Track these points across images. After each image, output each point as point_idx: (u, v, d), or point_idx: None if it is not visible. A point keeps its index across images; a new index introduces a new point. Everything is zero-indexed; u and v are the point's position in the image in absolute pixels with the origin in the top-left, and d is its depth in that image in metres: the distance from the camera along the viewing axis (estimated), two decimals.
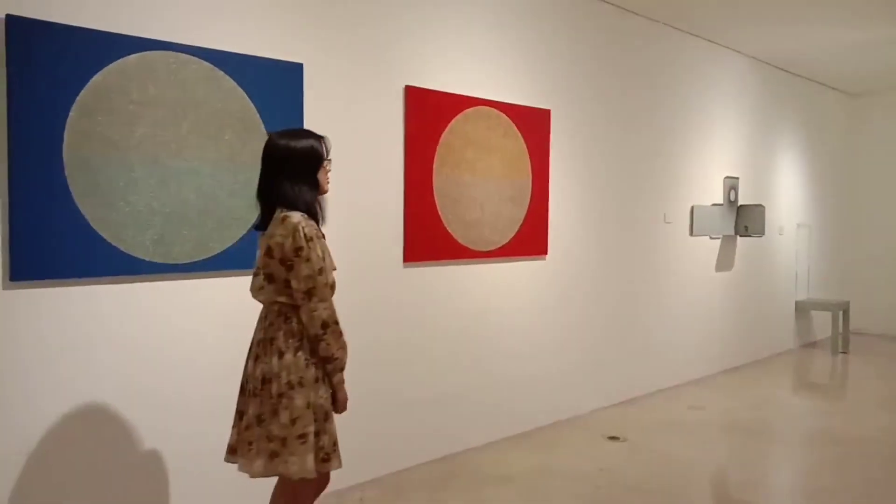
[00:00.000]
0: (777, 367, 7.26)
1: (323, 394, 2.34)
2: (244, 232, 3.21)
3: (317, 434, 2.30)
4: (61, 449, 2.78)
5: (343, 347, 2.35)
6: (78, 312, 2.81)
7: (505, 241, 4.60)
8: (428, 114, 4.08)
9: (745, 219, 6.94)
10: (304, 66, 3.45)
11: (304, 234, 2.28)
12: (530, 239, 4.78)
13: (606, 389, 5.53)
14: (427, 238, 4.13)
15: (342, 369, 2.38)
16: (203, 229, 3.10)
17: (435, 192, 4.14)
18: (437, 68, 4.16)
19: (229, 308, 3.22)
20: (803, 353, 8.01)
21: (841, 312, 8.00)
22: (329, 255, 2.39)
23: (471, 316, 4.44)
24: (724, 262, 6.91)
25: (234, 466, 2.37)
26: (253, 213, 3.19)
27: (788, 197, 8.01)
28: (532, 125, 4.74)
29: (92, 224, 2.80)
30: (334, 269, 2.42)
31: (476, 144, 4.36)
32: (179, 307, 3.09)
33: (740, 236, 7.04)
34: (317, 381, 2.32)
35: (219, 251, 3.14)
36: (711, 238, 6.69)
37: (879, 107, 9.15)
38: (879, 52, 6.97)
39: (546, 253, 4.91)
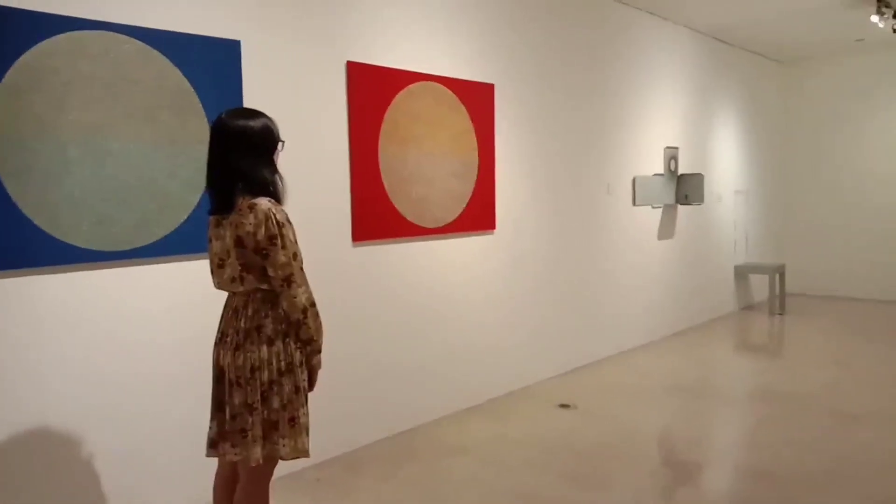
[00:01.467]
0: (719, 330, 7.52)
1: (304, 376, 2.37)
2: (186, 215, 3.14)
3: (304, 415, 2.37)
4: (20, 440, 2.69)
5: (320, 328, 2.37)
6: (17, 305, 2.71)
7: (453, 217, 4.61)
8: (371, 90, 4.04)
9: (685, 187, 7.12)
10: (242, 44, 3.36)
11: (277, 221, 2.25)
12: (478, 214, 4.81)
13: (557, 359, 5.64)
14: (375, 216, 4.11)
15: (320, 351, 2.40)
16: (143, 213, 3.02)
17: (381, 170, 4.12)
18: (379, 43, 4.11)
19: (177, 293, 3.16)
20: (743, 316, 8.31)
21: (777, 275, 8.31)
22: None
23: (422, 292, 4.46)
24: (666, 230, 7.08)
25: (197, 446, 2.33)
26: (194, 196, 3.14)
27: (726, 165, 8.25)
28: (476, 100, 4.74)
29: (23, 210, 2.69)
30: None
31: (421, 120, 4.34)
32: (123, 295, 3.00)
33: (681, 205, 7.22)
34: (300, 364, 2.35)
35: (161, 236, 3.06)
36: (653, 207, 6.84)
37: (811, 73, 9.45)
38: (810, 19, 7.18)
39: (494, 227, 4.95)
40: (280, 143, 2.43)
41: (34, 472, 2.78)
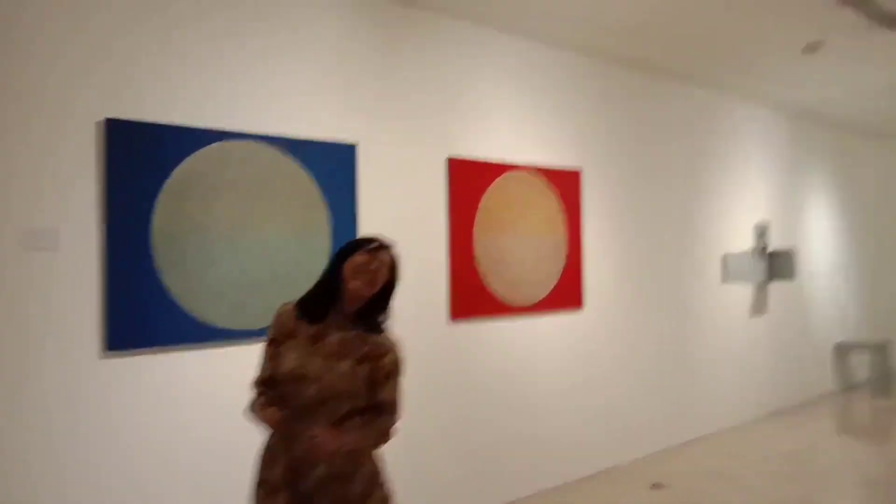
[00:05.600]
0: (817, 411, 7.28)
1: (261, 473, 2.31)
2: None
3: None
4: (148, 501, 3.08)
5: (261, 421, 2.34)
6: (162, 378, 3.14)
7: (543, 295, 4.85)
8: (468, 181, 4.41)
9: (776, 264, 7.09)
10: (358, 146, 3.82)
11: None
12: (567, 293, 5.02)
13: (646, 438, 5.66)
14: (470, 296, 4.41)
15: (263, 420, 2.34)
16: (272, 296, 3.42)
17: (476, 253, 4.44)
18: (475, 139, 4.50)
19: None
20: (844, 396, 8.01)
21: (882, 353, 8.00)
22: (292, 351, 2.34)
23: (512, 368, 4.67)
24: (758, 307, 7.04)
25: None
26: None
27: (821, 240, 8.13)
28: (564, 185, 5.03)
29: (175, 297, 3.14)
30: (299, 366, 2.31)
31: (513, 207, 4.66)
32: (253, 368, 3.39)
33: (772, 281, 7.17)
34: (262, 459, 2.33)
35: None
36: (744, 284, 6.84)
37: None
38: None
39: (581, 305, 5.14)
40: (355, 255, 2.32)
41: None
